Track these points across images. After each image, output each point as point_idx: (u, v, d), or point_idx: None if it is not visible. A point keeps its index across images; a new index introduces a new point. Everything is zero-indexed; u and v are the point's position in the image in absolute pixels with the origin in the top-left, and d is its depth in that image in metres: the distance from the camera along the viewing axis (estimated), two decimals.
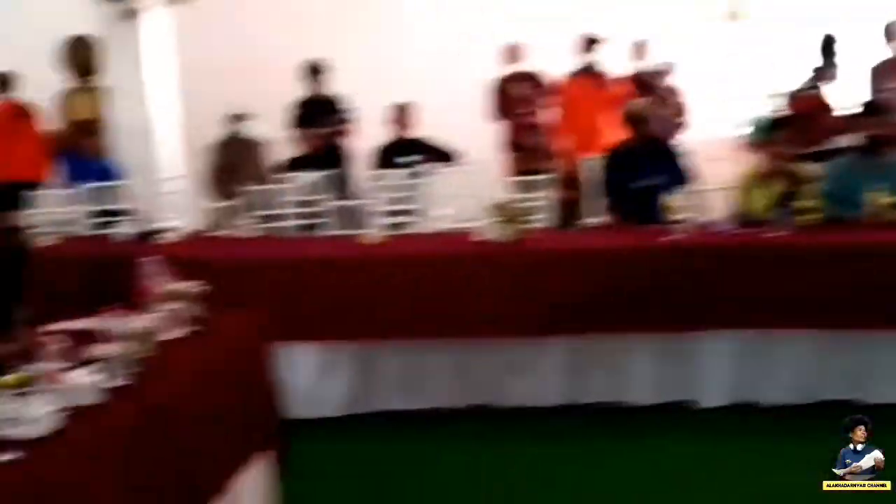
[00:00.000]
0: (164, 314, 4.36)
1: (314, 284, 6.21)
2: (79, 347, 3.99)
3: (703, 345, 6.18)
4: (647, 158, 7.28)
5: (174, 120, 9.95)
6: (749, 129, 9.85)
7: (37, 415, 3.19)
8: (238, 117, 9.54)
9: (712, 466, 5.23)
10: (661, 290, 5.98)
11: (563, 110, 10.12)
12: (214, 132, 9.81)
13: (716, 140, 10.35)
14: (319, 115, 9.75)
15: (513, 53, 10.22)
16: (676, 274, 6.00)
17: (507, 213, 6.50)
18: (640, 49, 10.33)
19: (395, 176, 7.87)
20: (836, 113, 9.48)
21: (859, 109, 7.84)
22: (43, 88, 10.54)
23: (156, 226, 7.46)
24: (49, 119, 10.50)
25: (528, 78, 10.25)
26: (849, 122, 8.38)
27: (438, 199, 7.72)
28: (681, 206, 6.46)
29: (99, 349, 3.87)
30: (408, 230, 7.23)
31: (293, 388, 5.49)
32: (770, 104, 9.91)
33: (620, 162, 7.42)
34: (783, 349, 6.15)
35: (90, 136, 9.70)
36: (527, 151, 10.07)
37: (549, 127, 10.21)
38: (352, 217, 7.87)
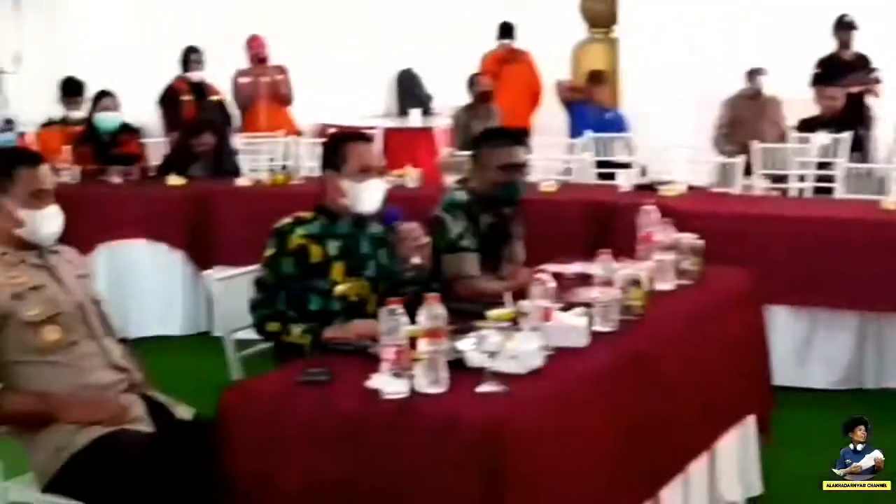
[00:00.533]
0: (658, 264, 4.25)
1: (821, 247, 5.86)
2: (571, 290, 3.98)
3: None
4: None
5: (684, 72, 9.81)
6: None
7: (524, 351, 3.17)
8: (756, 72, 9.22)
9: None
10: None
11: None
12: (724, 86, 9.53)
13: None
14: (842, 74, 9.21)
15: None
16: None
17: None
18: None
19: None
20: None
21: None
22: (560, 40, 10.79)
23: (657, 178, 7.38)
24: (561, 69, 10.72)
25: None
26: None
27: None
28: None
29: (591, 293, 3.82)
30: None
31: (778, 354, 5.21)
32: None
33: None
34: None
35: (600, 85, 9.78)
36: None
37: None
38: (870, 181, 7.44)
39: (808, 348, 5.99)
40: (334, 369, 3.18)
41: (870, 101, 9.33)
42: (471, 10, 11.68)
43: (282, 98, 9.81)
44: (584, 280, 4.10)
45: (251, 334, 4.25)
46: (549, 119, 10.37)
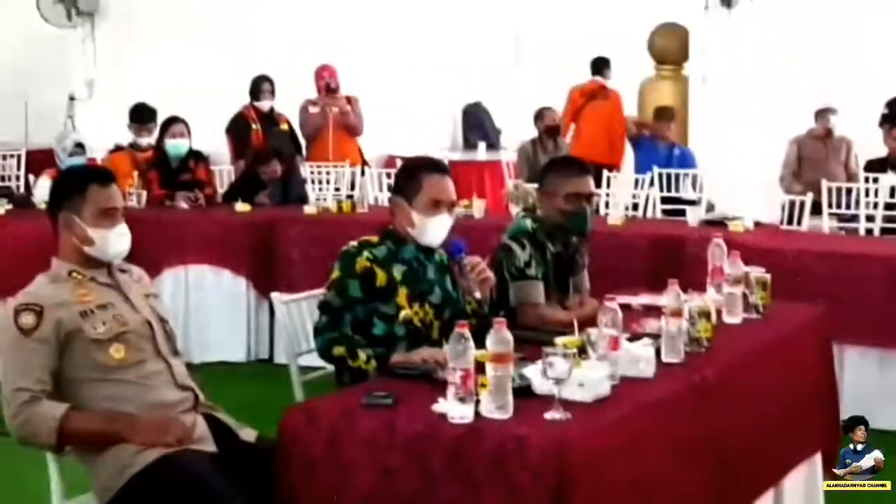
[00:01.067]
0: (727, 297, 4.20)
1: (882, 286, 5.76)
2: (638, 320, 3.97)
3: None
4: None
5: (752, 111, 9.75)
6: None
7: (591, 379, 3.14)
8: (826, 111, 9.16)
9: None
10: None
11: None
12: (792, 125, 9.45)
13: None
14: None
15: None
16: None
17: None
18: None
19: None
20: None
21: None
22: (632, 74, 10.77)
23: (722, 214, 7.34)
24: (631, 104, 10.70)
25: None
26: None
27: None
28: None
29: (658, 324, 3.79)
30: None
31: (847, 393, 5.12)
32: None
33: None
34: None
35: (667, 122, 9.75)
36: None
37: None
38: None
39: (877, 388, 5.88)
40: (398, 393, 3.17)
41: None
42: (540, 45, 11.72)
43: (351, 128, 9.85)
44: (652, 311, 4.08)
45: (314, 359, 4.26)
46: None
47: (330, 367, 4.11)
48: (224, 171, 9.25)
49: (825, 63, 10.08)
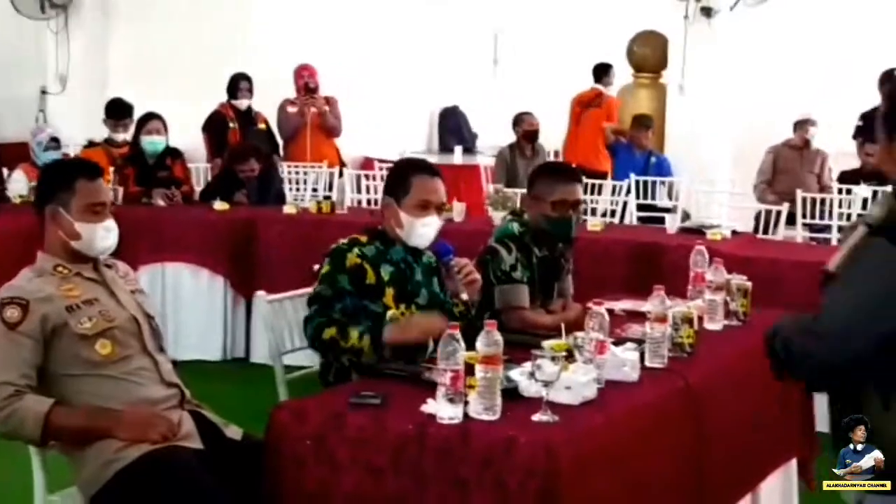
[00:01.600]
0: (709, 304, 4.24)
1: None
2: (621, 325, 4.02)
3: None
4: None
5: (729, 121, 9.82)
6: None
7: (578, 382, 3.16)
8: (805, 122, 9.24)
9: None
10: None
11: None
12: (768, 135, 9.54)
13: None
14: None
15: None
16: None
17: None
18: None
19: None
20: None
21: None
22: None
23: (700, 222, 7.40)
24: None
25: None
26: None
27: None
28: None
29: (641, 329, 3.83)
30: None
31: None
32: None
33: None
34: None
35: (645, 129, 9.80)
36: None
37: None
38: None
39: None
40: (386, 393, 3.17)
41: None
42: (518, 50, 11.75)
43: (330, 129, 9.82)
44: (635, 316, 4.11)
45: (296, 359, 4.27)
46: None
47: (312, 367, 4.12)
48: (200, 169, 9.22)
49: (802, 75, 10.18)
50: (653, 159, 9.66)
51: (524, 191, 7.86)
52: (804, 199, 8.47)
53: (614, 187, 9.16)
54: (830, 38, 10.56)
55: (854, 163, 9.19)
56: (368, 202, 9.16)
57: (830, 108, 9.69)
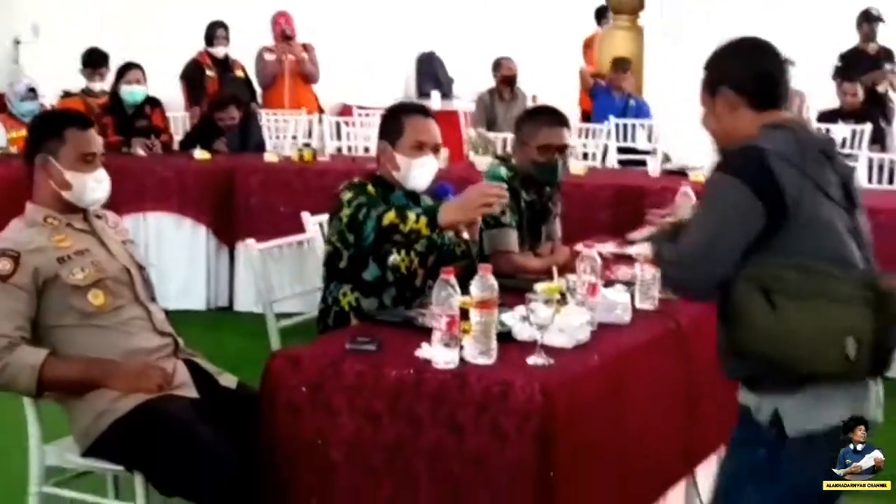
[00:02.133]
0: None
1: None
2: (610, 267, 4.02)
3: None
4: None
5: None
6: None
7: (572, 325, 3.18)
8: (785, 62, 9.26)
9: None
10: None
11: None
12: None
13: None
14: (864, 68, 9.22)
15: None
16: None
17: None
18: None
19: None
20: None
21: None
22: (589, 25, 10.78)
23: (682, 164, 7.41)
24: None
25: None
26: None
27: None
28: None
29: (630, 271, 3.85)
30: None
31: None
32: None
33: None
34: None
35: (623, 73, 9.79)
36: None
37: None
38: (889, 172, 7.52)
39: None
40: (381, 339, 3.19)
41: (891, 94, 9.35)
42: None
43: (308, 76, 9.77)
44: (623, 259, 4.13)
45: (284, 308, 4.27)
46: (572, 105, 10.37)
47: (303, 315, 4.13)
48: (178, 118, 9.15)
49: (781, 15, 10.17)
50: (632, 102, 9.66)
51: (505, 135, 7.99)
52: None
53: (594, 130, 9.16)
54: None
55: (832, 103, 9.21)
56: (349, 149, 9.14)
57: (808, 48, 9.68)
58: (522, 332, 3.18)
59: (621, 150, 8.97)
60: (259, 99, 9.77)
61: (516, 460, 2.82)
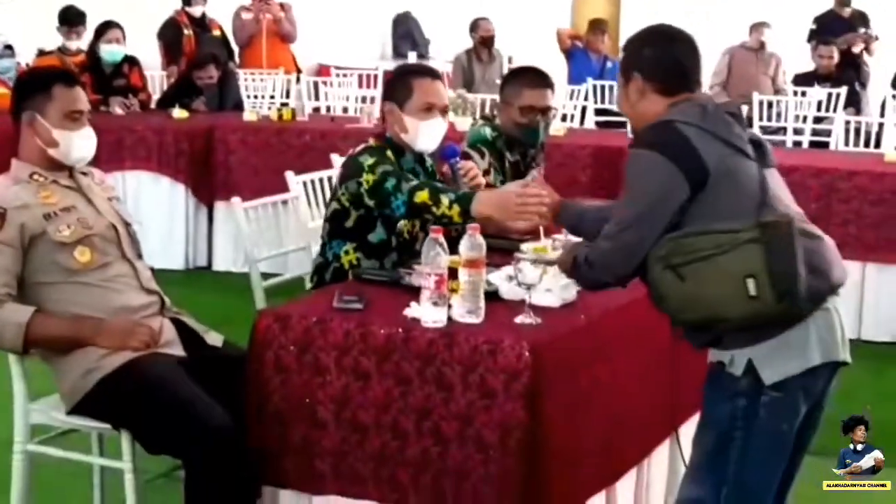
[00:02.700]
0: None
1: (827, 196, 5.97)
2: None
3: None
4: None
5: (685, 25, 9.80)
6: None
7: (559, 284, 3.20)
8: (760, 25, 9.30)
9: None
10: None
11: None
12: (723, 38, 9.57)
13: None
14: (839, 31, 9.28)
15: None
16: None
17: None
18: None
19: None
20: None
21: None
22: None
23: None
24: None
25: None
26: None
27: None
28: None
29: None
30: None
31: None
32: None
33: None
34: None
35: (600, 34, 9.80)
36: None
37: None
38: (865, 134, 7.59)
39: None
40: (368, 298, 3.20)
41: (866, 57, 9.41)
42: None
43: (285, 35, 9.73)
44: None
45: (266, 268, 4.27)
46: (550, 66, 10.34)
47: (284, 276, 4.14)
48: (156, 77, 9.10)
49: None
50: (608, 64, 9.67)
51: (483, 96, 8.00)
52: (761, 102, 8.54)
53: (572, 91, 9.17)
54: None
55: (808, 66, 9.25)
56: (327, 109, 9.11)
57: (784, 11, 9.73)
58: (509, 291, 3.20)
59: (598, 112, 8.98)
60: (236, 58, 9.71)
61: (504, 418, 2.85)
